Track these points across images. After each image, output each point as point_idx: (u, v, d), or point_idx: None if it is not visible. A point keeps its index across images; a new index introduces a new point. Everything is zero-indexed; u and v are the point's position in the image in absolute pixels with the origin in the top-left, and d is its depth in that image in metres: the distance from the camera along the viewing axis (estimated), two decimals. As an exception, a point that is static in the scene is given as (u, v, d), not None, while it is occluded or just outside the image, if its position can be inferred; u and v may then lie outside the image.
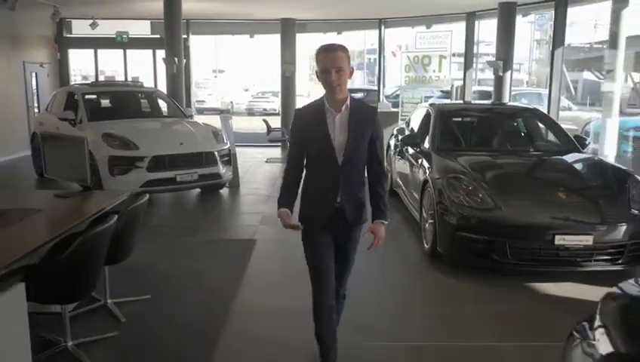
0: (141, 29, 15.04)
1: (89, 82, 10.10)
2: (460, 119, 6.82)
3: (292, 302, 3.99)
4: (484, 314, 3.97)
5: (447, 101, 13.36)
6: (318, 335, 2.91)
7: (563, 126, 6.64)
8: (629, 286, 2.00)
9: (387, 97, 17.70)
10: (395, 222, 6.13)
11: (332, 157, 2.78)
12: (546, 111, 10.56)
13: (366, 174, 2.93)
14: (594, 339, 1.72)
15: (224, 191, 8.20)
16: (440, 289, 4.52)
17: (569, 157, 5.67)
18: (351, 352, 3.19)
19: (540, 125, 6.67)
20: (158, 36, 14.17)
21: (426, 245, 5.28)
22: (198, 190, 8.05)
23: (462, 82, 14.11)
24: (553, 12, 10.73)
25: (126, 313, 3.83)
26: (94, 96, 8.65)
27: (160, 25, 14.49)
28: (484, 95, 16.66)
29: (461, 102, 12.11)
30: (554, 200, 4.68)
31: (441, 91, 16.57)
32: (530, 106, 7.91)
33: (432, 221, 5.06)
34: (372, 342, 3.54)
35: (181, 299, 4.21)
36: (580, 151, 5.91)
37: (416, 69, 13.27)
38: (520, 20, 16.39)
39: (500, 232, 4.51)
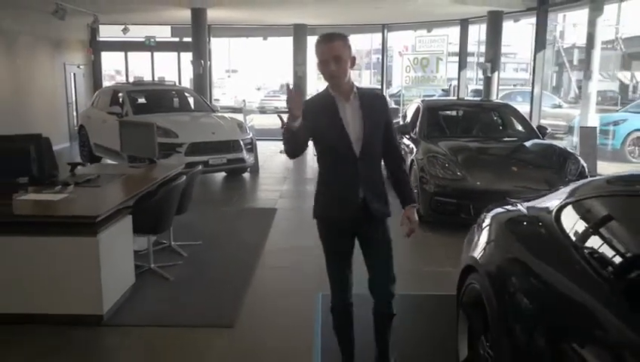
0: (163, 32, 16.55)
1: (131, 82, 11.52)
2: (444, 112, 8.20)
3: (305, 242, 5.28)
4: (450, 254, 5.35)
5: (440, 98, 14.73)
6: (335, 330, 2.98)
7: (554, 122, 8.04)
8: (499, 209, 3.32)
9: (392, 96, 19.06)
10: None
11: (349, 149, 2.62)
12: (529, 108, 11.94)
13: (383, 163, 2.83)
14: (475, 232, 3.11)
15: (246, 175, 9.63)
16: (420, 239, 5.90)
17: (528, 143, 7.03)
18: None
19: (511, 118, 8.04)
20: (183, 40, 15.67)
21: None
22: (224, 174, 9.47)
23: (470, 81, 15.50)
24: (536, 17, 12.07)
25: (185, 251, 5.25)
26: (136, 94, 10.08)
27: (179, 29, 16.03)
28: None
29: (448, 98, 13.48)
30: (509, 172, 6.07)
31: (442, 90, 17.98)
32: (503, 102, 9.27)
33: (416, 191, 6.45)
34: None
35: (224, 244, 5.64)
36: (540, 138, 7.28)
37: (416, 70, 14.66)
38: (524, 22, 17.62)
39: (465, 196, 5.89)
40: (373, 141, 2.67)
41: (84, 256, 3.67)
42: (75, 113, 14.26)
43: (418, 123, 7.55)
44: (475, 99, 13.21)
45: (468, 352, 2.83)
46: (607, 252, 2.04)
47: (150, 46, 15.35)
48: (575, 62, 25.13)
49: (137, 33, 15.43)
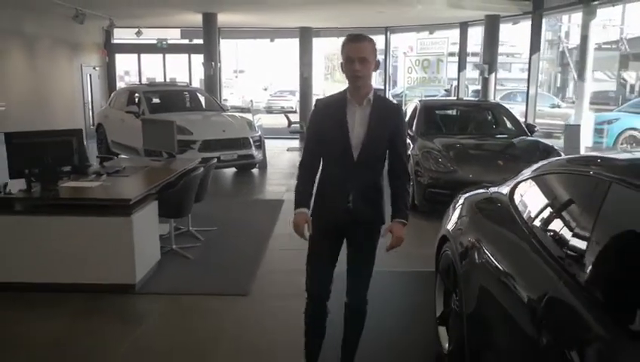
0: (172, 34, 17.23)
1: (147, 83, 12.17)
2: (440, 112, 8.79)
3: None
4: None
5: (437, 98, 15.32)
6: (305, 333, 3.01)
7: (552, 121, 8.60)
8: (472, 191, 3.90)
9: (396, 96, 19.63)
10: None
11: (348, 151, 2.65)
12: (524, 108, 12.49)
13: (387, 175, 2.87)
14: (450, 210, 3.70)
15: (255, 171, 10.24)
16: (415, 226, 6.47)
17: (516, 139, 7.60)
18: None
19: (503, 117, 8.61)
20: (194, 42, 16.32)
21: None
22: (234, 170, 10.09)
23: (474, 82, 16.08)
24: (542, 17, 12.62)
25: (202, 236, 5.86)
26: (151, 94, 10.70)
27: (188, 31, 16.69)
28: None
29: (445, 98, 14.07)
30: (496, 166, 6.64)
31: (445, 90, 18.56)
32: (496, 103, 9.84)
33: (412, 183, 7.03)
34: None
35: (237, 230, 6.24)
36: (528, 136, 7.84)
37: (417, 71, 15.24)
38: (529, 23, 18.05)
39: (456, 188, 6.38)
40: (374, 149, 2.68)
41: (120, 234, 4.29)
42: (91, 113, 14.93)
43: (415, 121, 8.14)
44: (473, 99, 13.77)
45: (443, 308, 3.41)
46: (546, 221, 2.61)
47: (162, 48, 15.99)
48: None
49: (149, 36, 16.12)
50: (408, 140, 7.91)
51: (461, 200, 3.62)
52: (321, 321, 2.93)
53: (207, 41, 13.07)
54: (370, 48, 2.61)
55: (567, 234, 2.20)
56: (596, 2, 11.88)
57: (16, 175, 4.30)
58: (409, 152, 7.41)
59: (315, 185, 2.85)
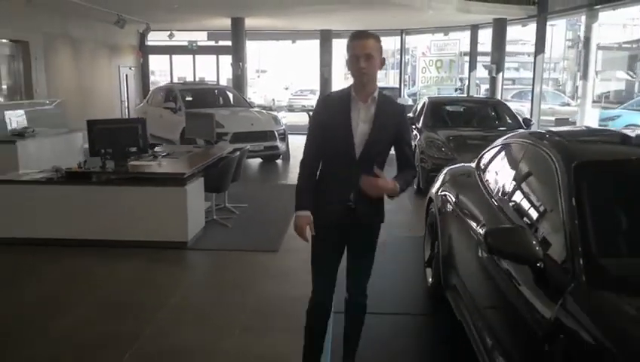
0: (200, 36, 18.44)
1: (181, 82, 13.36)
2: (446, 107, 9.77)
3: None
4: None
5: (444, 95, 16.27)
6: (306, 332, 2.94)
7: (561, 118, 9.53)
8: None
9: (412, 95, 20.58)
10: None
11: (350, 149, 2.63)
12: (529, 106, 13.37)
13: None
14: (436, 179, 4.71)
15: (279, 161, 11.33)
16: (418, 204, 7.50)
17: (512, 132, 8.54)
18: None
19: (503, 112, 9.56)
20: (221, 44, 17.49)
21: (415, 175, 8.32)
22: (260, 160, 11.18)
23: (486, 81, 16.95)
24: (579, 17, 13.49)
25: (237, 210, 6.94)
26: (186, 92, 11.85)
27: (214, 33, 17.86)
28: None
29: (451, 95, 15.04)
30: (490, 154, 7.61)
31: (459, 89, 19.45)
32: (497, 100, 10.78)
33: (417, 170, 8.06)
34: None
35: (265, 206, 7.32)
36: (524, 129, 8.78)
37: (430, 71, 16.21)
38: (553, 21, 18.54)
39: (454, 172, 7.46)
40: (377, 147, 2.65)
41: (176, 201, 5.39)
42: (127, 110, 16.19)
43: (422, 115, 9.14)
44: (482, 96, 14.69)
45: (429, 253, 4.44)
46: (493, 179, 3.61)
47: (192, 50, 17.20)
48: (599, 62, 25.42)
49: (179, 38, 17.34)
50: (415, 132, 8.92)
51: (444, 171, 4.64)
52: (324, 320, 2.93)
53: (235, 43, 14.22)
54: (376, 45, 2.59)
55: (504, 186, 3.21)
56: (598, 7, 12.70)
57: (95, 154, 5.43)
58: (415, 142, 8.43)
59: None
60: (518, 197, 2.95)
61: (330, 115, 2.71)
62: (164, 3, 11.96)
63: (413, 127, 9.23)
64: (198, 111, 9.55)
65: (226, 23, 14.33)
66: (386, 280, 4.51)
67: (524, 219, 2.72)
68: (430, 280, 4.28)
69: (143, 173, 5.49)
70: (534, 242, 2.22)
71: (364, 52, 2.56)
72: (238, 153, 6.49)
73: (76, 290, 4.50)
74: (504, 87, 24.39)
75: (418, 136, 8.57)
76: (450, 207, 3.87)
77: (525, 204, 2.85)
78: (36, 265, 5.03)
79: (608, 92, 22.97)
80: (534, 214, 2.71)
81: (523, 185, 2.99)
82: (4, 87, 10.84)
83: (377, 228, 2.87)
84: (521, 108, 17.26)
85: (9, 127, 6.87)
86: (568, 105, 19.15)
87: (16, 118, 7.01)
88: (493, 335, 2.63)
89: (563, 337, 1.85)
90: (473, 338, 2.94)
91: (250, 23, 14.47)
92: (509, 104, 15.45)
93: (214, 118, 7.23)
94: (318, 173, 2.79)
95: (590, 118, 13.59)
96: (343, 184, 2.68)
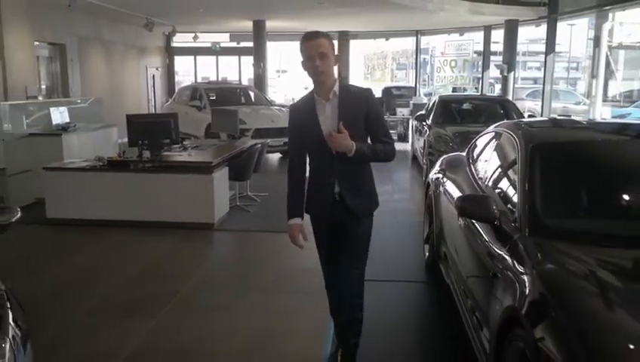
0: (222, 38, 19.19)
1: (206, 82, 14.10)
2: (455, 105, 10.30)
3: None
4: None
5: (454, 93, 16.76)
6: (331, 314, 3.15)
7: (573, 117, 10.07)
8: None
9: (428, 94, 21.08)
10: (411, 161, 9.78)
11: (324, 146, 2.70)
12: (540, 104, 13.79)
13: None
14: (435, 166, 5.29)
15: (297, 156, 11.96)
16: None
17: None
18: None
19: (510, 110, 10.06)
20: (242, 45, 18.22)
21: (423, 165, 8.88)
22: (279, 155, 11.84)
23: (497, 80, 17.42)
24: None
25: (258, 198, 7.60)
26: (210, 91, 12.57)
27: (236, 35, 18.58)
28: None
29: (461, 94, 15.53)
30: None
31: (474, 88, 19.87)
32: (504, 98, 11.27)
33: (425, 161, 8.62)
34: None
35: (283, 196, 7.89)
36: (529, 125, 9.30)
37: (445, 70, 16.71)
38: (573, 21, 18.43)
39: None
40: (350, 138, 2.66)
41: (204, 187, 6.06)
42: (154, 108, 17.01)
43: (432, 112, 9.70)
44: (490, 95, 15.15)
45: (427, 232, 5.02)
46: (476, 161, 4.17)
47: (216, 51, 17.96)
48: (621, 61, 25.12)
49: (203, 39, 18.12)
50: (425, 128, 9.48)
51: (441, 159, 5.22)
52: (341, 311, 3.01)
53: (256, 44, 14.93)
54: (328, 44, 2.68)
55: (483, 165, 3.80)
56: (608, 7, 13.08)
57: (133, 144, 6.13)
58: (424, 138, 8.99)
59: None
60: (491, 173, 3.55)
61: (300, 121, 2.84)
62: (190, 7, 12.70)
63: (424, 122, 9.80)
64: (222, 108, 10.23)
65: (247, 25, 15.02)
66: (391, 255, 5.15)
67: (495, 190, 3.31)
68: (427, 254, 4.88)
69: (175, 161, 6.18)
70: (494, 206, 2.81)
71: (317, 51, 2.65)
72: (259, 146, 7.13)
73: (117, 262, 5.19)
74: (522, 86, 24.82)
75: (428, 132, 9.12)
76: (441, 188, 4.46)
77: (497, 178, 3.44)
78: (82, 241, 5.75)
79: (631, 91, 23.06)
80: (503, 185, 3.30)
81: (496, 164, 3.58)
82: (44, 86, 11.66)
83: (369, 224, 2.93)
84: (534, 106, 17.68)
85: (54, 122, 7.62)
86: (582, 103, 19.43)
87: (59, 114, 7.76)
88: (469, 290, 3.22)
89: (506, 267, 2.45)
90: (456, 296, 3.53)
91: (270, 25, 15.14)
92: (523, 103, 16.04)
93: (238, 115, 7.88)
94: (307, 175, 2.94)
95: (600, 117, 13.96)
96: (327, 178, 2.81)
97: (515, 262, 2.42)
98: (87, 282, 4.63)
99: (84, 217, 6.09)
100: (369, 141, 2.84)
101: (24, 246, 5.43)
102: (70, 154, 7.16)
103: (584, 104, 19.49)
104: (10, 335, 2.04)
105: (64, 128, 7.51)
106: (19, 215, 2.68)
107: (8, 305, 2.19)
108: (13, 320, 2.13)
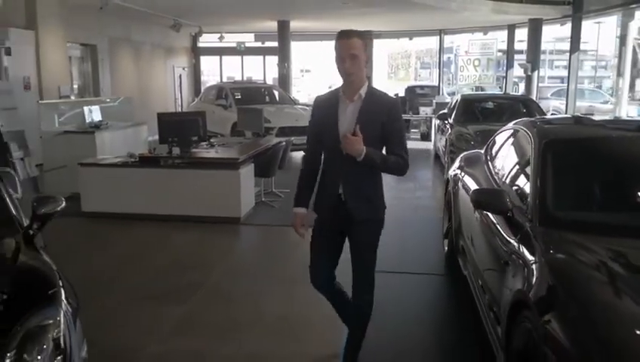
0: (246, 38, 19.49)
1: (232, 81, 14.40)
2: (477, 104, 10.38)
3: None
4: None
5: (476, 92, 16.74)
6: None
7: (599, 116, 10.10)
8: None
9: (451, 94, 21.06)
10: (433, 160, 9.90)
11: (337, 145, 2.70)
12: (564, 103, 13.74)
13: None
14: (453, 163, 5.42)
15: (320, 154, 12.17)
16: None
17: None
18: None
19: (532, 108, 10.10)
20: (267, 45, 18.49)
21: (445, 163, 8.99)
22: (302, 153, 12.03)
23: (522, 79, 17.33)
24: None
25: (282, 195, 7.81)
26: (236, 90, 12.84)
27: (261, 35, 18.86)
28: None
29: (483, 93, 15.53)
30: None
31: (499, 87, 19.82)
32: (526, 97, 11.28)
33: (446, 159, 8.73)
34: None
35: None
36: (551, 123, 9.34)
37: (469, 69, 16.72)
38: (605, 19, 18.12)
39: (481, 162, 8.12)
40: (364, 143, 2.64)
41: (232, 182, 6.29)
42: (180, 106, 17.38)
43: (454, 111, 9.80)
44: (512, 94, 15.13)
45: (446, 226, 5.17)
46: (494, 160, 4.30)
47: (241, 51, 18.27)
48: None
49: (228, 40, 18.43)
50: (447, 127, 9.59)
51: (460, 156, 5.35)
52: (324, 293, 3.10)
53: (280, 44, 15.18)
54: (360, 44, 2.65)
55: (500, 161, 3.94)
56: (634, 5, 12.96)
57: (163, 141, 6.39)
58: (446, 136, 9.10)
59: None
60: (507, 168, 3.69)
61: (320, 114, 2.86)
62: (216, 8, 12.99)
63: (446, 121, 9.90)
64: (248, 107, 10.49)
65: (272, 25, 15.27)
66: (411, 249, 5.32)
67: (511, 185, 3.46)
68: (446, 248, 5.02)
69: (203, 158, 6.43)
70: (507, 199, 2.96)
71: (349, 52, 2.63)
72: (283, 143, 7.35)
73: (149, 253, 5.45)
74: (549, 85, 24.61)
75: (450, 130, 9.23)
76: (460, 184, 4.60)
77: (512, 174, 3.59)
78: (115, 233, 6.04)
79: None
80: (518, 180, 3.45)
81: (512, 160, 3.72)
82: (76, 86, 12.08)
83: (374, 228, 2.90)
84: (559, 105, 17.58)
85: (87, 120, 7.95)
86: (609, 103, 19.24)
87: (92, 113, 8.09)
88: (484, 280, 3.37)
89: (517, 254, 2.61)
90: (473, 288, 3.68)
91: (295, 25, 15.36)
92: (548, 102, 15.99)
93: (263, 113, 8.11)
94: (320, 169, 2.98)
95: (627, 115, 13.84)
96: (334, 178, 2.83)
97: (525, 250, 2.57)
98: (122, 270, 4.90)
99: (117, 211, 6.37)
100: (384, 151, 2.82)
101: (63, 236, 5.73)
102: (102, 151, 7.47)
103: (610, 103, 19.30)
104: (64, 310, 2.28)
105: (97, 126, 7.83)
106: (64, 204, 2.94)
107: (61, 284, 2.43)
108: (65, 298, 2.37)
